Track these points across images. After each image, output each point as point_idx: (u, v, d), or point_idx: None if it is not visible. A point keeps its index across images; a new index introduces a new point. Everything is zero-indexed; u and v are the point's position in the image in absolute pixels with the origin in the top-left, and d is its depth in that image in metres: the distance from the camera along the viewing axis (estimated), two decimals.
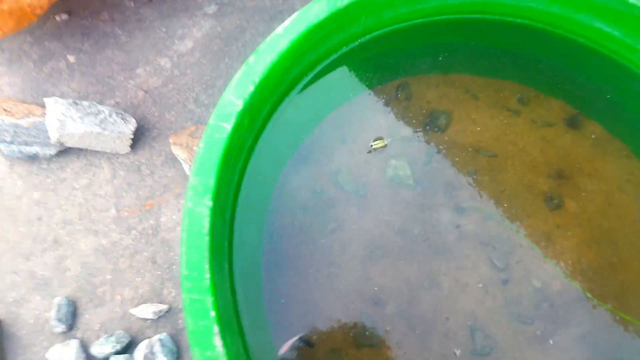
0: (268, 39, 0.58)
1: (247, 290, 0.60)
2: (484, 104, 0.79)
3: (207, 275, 0.48)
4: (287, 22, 0.59)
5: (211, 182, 0.51)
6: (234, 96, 0.55)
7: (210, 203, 0.51)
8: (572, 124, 0.78)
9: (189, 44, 1.02)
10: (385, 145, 0.74)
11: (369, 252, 0.70)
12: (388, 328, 0.66)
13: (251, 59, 0.57)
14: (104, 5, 1.06)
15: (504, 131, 0.77)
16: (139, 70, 0.99)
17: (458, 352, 0.65)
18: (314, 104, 0.73)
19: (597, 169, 0.75)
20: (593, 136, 0.77)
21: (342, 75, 0.75)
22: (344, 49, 0.72)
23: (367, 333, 0.66)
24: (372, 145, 0.73)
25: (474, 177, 0.74)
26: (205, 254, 0.49)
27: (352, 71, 0.75)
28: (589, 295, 0.66)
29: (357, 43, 0.72)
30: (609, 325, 0.65)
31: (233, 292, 0.58)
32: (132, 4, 1.07)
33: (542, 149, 0.76)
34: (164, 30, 1.04)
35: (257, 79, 0.57)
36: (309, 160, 0.73)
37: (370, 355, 0.65)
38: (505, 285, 0.68)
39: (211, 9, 1.04)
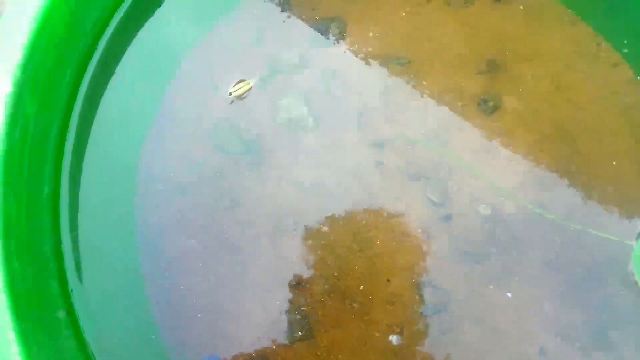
0: None
1: (115, 333, 0.46)
2: None
3: (14, 348, 0.33)
4: None
5: None
6: None
7: None
8: None
9: None
10: (250, 88, 0.56)
11: (278, 224, 0.55)
12: (319, 312, 0.53)
13: (8, 10, 0.38)
14: None
15: (414, 26, 0.60)
16: None
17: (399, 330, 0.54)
18: (154, 48, 0.54)
19: (536, 48, 0.59)
20: (525, 5, 0.60)
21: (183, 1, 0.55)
22: None
23: (296, 325, 0.53)
24: (230, 93, 0.55)
25: (387, 95, 0.58)
26: (6, 316, 0.34)
27: None
28: (550, 215, 0.54)
29: None
30: (579, 243, 0.54)
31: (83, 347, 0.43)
32: None
33: (464, 39, 0.60)
34: None
35: (25, 40, 0.37)
36: (173, 125, 0.55)
37: (305, 351, 0.53)
38: (447, 222, 0.55)
39: None
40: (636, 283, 0.51)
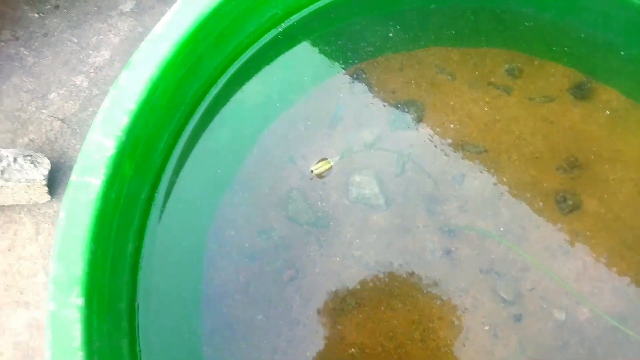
0: (143, 43, 0.41)
1: None
2: (463, 84, 0.62)
3: None
4: (168, 16, 0.42)
5: (78, 269, 0.36)
6: (103, 135, 0.39)
7: (80, 301, 0.36)
8: (581, 94, 0.60)
9: (106, 53, 0.85)
10: (331, 168, 0.57)
11: (340, 301, 0.54)
12: None
13: (122, 76, 0.41)
14: (3, 21, 0.89)
15: (493, 116, 0.60)
16: (52, 96, 0.83)
17: None
18: (240, 119, 0.56)
19: (619, 149, 0.58)
20: (609, 107, 0.60)
21: (271, 76, 0.58)
22: (264, 40, 0.54)
23: None
24: (312, 171, 0.57)
25: (461, 183, 0.57)
26: None
27: (282, 68, 0.58)
28: (629, 329, 0.51)
29: (279, 29, 0.54)
30: None
31: None
32: (37, 15, 0.90)
33: (545, 134, 0.59)
34: (75, 41, 0.87)
35: (133, 106, 0.40)
36: (248, 192, 0.57)
37: None
38: (518, 323, 0.52)
39: (127, 5, 0.86)
40: None
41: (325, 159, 0.57)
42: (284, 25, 0.56)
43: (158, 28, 0.42)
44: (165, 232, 0.51)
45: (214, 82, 0.53)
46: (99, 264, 0.39)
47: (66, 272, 0.36)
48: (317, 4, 0.56)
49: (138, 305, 0.47)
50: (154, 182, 0.50)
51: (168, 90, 0.45)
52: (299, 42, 0.59)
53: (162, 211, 0.51)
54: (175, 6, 0.43)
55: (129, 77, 0.41)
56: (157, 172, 0.50)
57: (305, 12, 0.57)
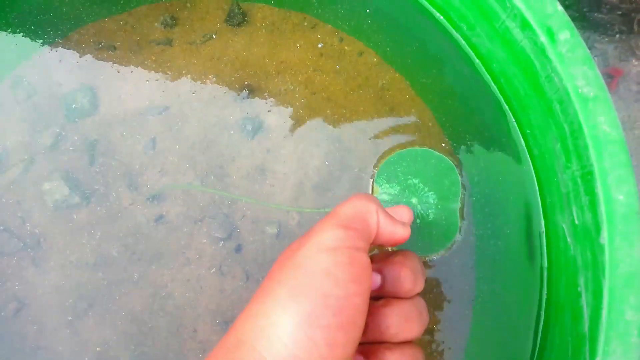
0: None
1: None
2: (125, 51, 0.61)
3: None
4: None
5: None
6: None
7: None
8: (235, 21, 0.62)
9: None
10: None
11: (72, 309, 0.53)
12: None
13: None
14: None
15: (164, 73, 0.60)
16: None
17: None
18: None
19: (283, 60, 0.61)
20: (264, 24, 0.62)
21: None
22: None
23: None
24: None
25: (154, 147, 0.58)
26: None
27: None
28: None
29: None
30: None
31: None
32: None
33: (216, 72, 0.60)
34: None
35: None
36: None
37: None
38: (239, 253, 0.55)
39: None
40: None
41: None
42: None
43: None
44: None
45: None
46: None
47: None
48: None
49: None
50: None
51: None
52: None
53: None
54: None
55: None
56: None
57: None
